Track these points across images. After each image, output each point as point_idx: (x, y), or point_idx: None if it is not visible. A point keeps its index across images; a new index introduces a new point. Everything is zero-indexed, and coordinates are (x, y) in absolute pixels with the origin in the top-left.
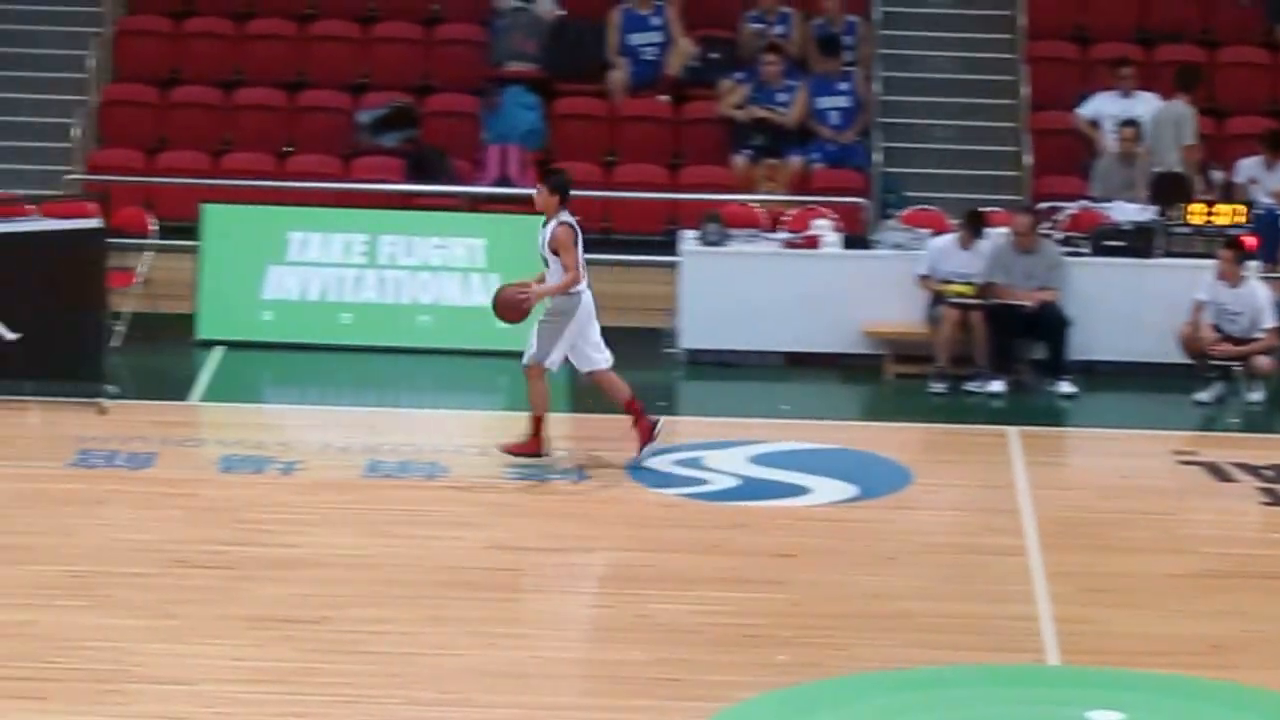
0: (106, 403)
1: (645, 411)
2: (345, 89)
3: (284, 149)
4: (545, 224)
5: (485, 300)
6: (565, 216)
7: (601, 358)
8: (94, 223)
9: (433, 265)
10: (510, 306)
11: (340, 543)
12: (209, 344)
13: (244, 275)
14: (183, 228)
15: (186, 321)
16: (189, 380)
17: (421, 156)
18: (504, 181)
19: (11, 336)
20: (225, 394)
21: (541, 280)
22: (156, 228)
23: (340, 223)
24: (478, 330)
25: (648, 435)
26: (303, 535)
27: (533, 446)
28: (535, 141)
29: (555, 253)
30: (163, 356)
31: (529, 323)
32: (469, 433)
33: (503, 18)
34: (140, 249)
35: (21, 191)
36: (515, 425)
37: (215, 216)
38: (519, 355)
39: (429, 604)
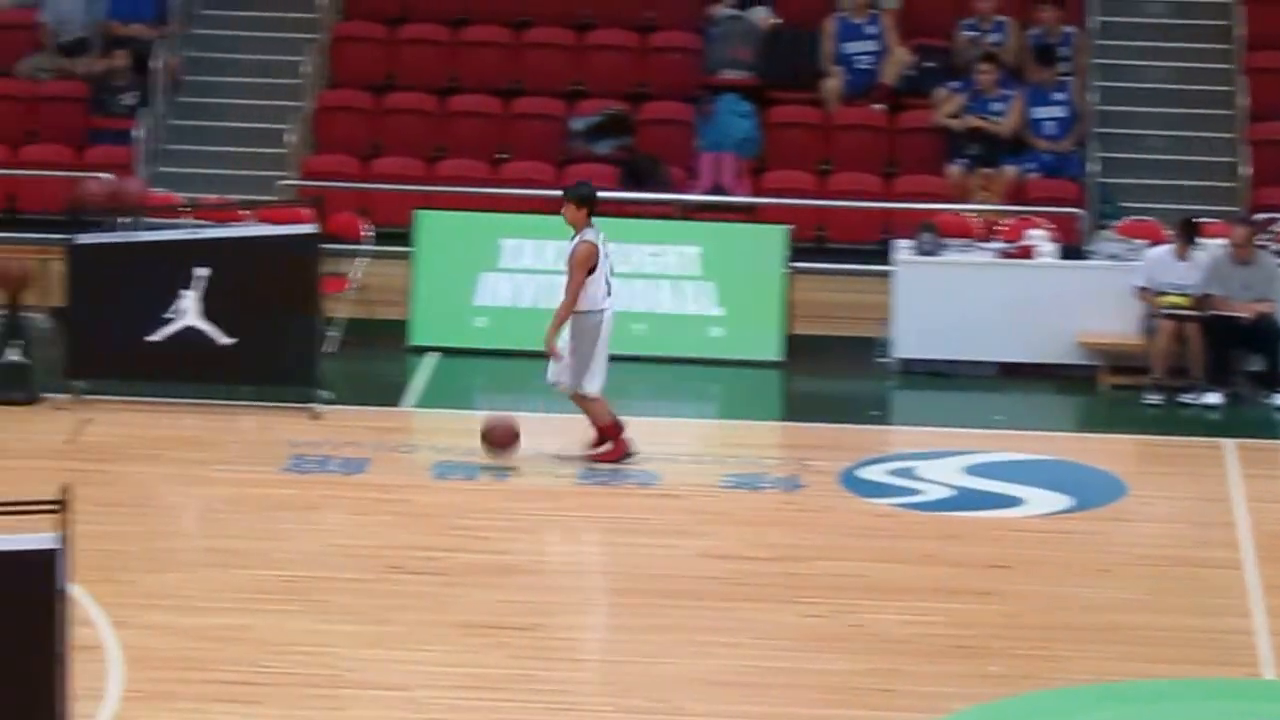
0: (320, 408)
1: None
2: (560, 96)
3: (498, 155)
4: (571, 238)
5: (699, 309)
6: (589, 234)
7: (576, 383)
8: (308, 228)
9: (646, 273)
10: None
11: (552, 550)
12: (422, 350)
13: (457, 281)
14: (396, 234)
15: (399, 327)
16: (402, 386)
17: (635, 164)
18: (718, 189)
19: (226, 341)
20: (438, 400)
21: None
22: (371, 233)
23: (553, 229)
24: (691, 338)
25: (618, 457)
26: (515, 542)
27: (619, 450)
28: (749, 149)
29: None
30: (376, 362)
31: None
32: (681, 441)
33: (718, 25)
34: (354, 255)
35: (237, 197)
36: (729, 434)
37: (429, 223)
38: (736, 364)
39: (641, 612)
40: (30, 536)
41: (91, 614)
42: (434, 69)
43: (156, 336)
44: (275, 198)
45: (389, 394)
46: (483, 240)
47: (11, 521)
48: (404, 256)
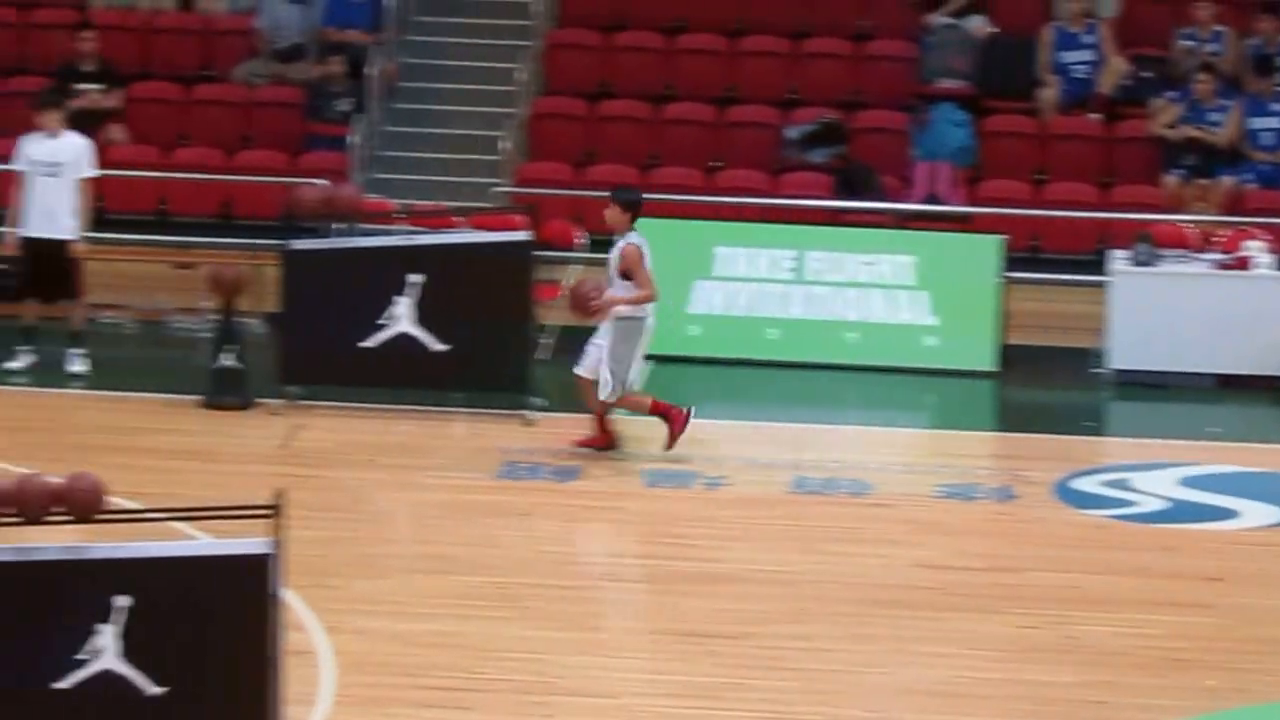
0: (533, 415)
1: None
2: (774, 104)
3: (712, 164)
4: (615, 243)
5: (912, 318)
6: (634, 236)
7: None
8: (522, 235)
9: (860, 282)
10: (579, 301)
11: (764, 558)
12: None
13: (670, 289)
14: (610, 241)
15: None
16: None
17: (850, 173)
18: (933, 199)
19: (440, 348)
20: None
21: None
22: (584, 240)
23: (767, 238)
24: (904, 347)
25: (603, 444)
26: (727, 550)
27: (677, 422)
28: (965, 159)
29: (625, 274)
30: None
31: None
32: (894, 450)
33: (933, 34)
34: (567, 262)
35: (451, 204)
36: (942, 443)
37: (643, 230)
38: (950, 374)
39: (853, 621)
40: (244, 541)
41: (304, 619)
42: (649, 76)
43: (369, 342)
44: (489, 204)
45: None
46: (696, 248)
47: (226, 526)
48: None
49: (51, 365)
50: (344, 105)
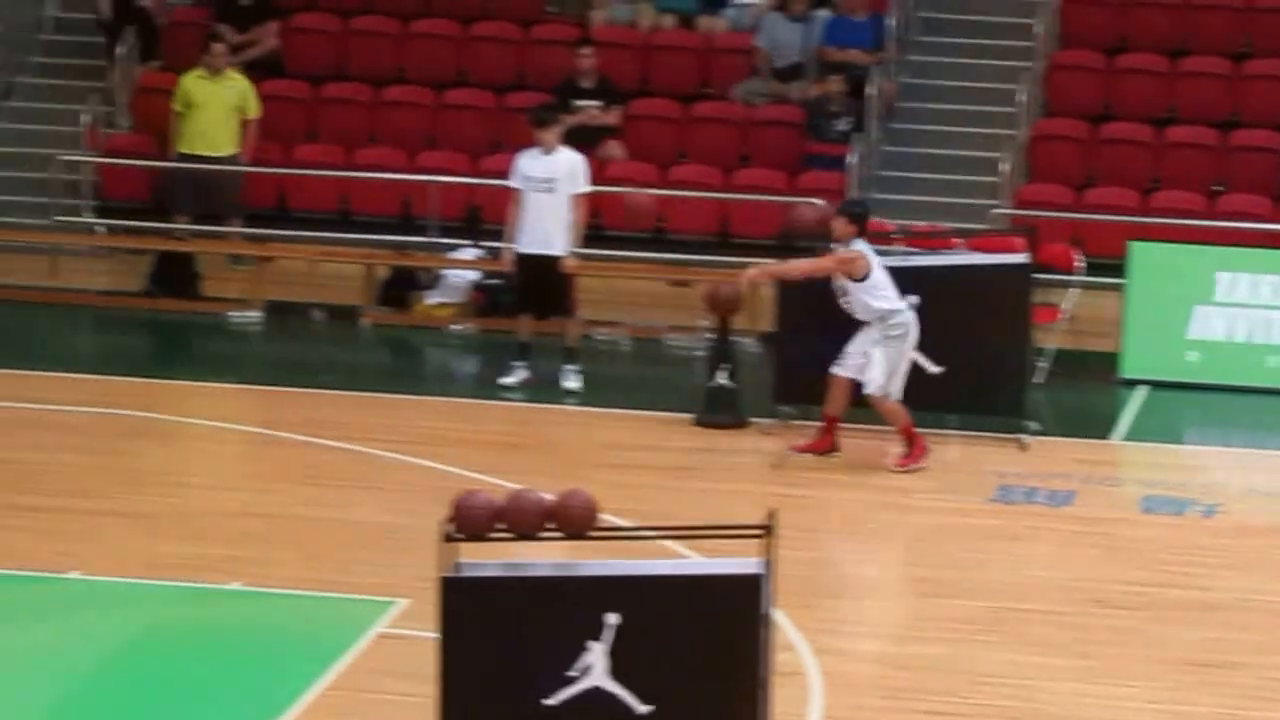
0: (1027, 439)
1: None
2: (1273, 128)
3: (1214, 187)
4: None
5: None
6: (858, 245)
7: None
8: (1020, 258)
9: None
10: (719, 300)
11: (1261, 587)
12: (1132, 383)
13: (1170, 315)
14: (1109, 265)
15: (1110, 359)
16: (1111, 419)
17: None
18: None
19: (935, 370)
20: (1147, 434)
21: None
22: (1083, 264)
23: (1271, 264)
24: None
25: (822, 448)
26: (1221, 579)
27: (915, 453)
28: None
29: (852, 276)
30: (1085, 394)
31: None
32: None
33: None
34: (1066, 285)
35: (950, 224)
36: None
37: (1143, 255)
38: None
39: None
40: (736, 560)
41: (792, 639)
42: (1152, 99)
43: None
44: (987, 226)
45: (1097, 426)
46: (1197, 273)
47: (717, 545)
48: (1116, 288)
49: (546, 381)
50: (843, 125)
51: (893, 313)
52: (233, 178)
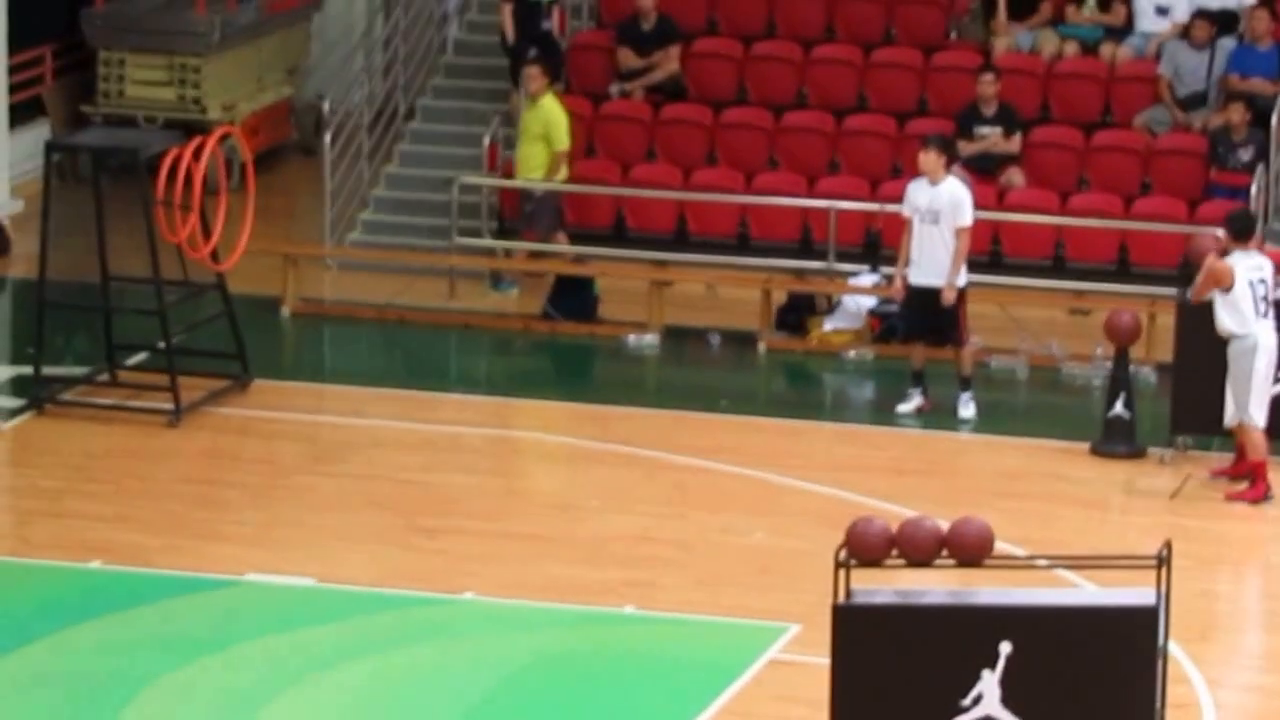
0: None
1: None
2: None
3: None
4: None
5: None
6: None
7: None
8: None
9: None
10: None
11: None
12: None
13: None
14: None
15: None
16: None
17: None
18: None
19: None
20: None
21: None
22: None
23: None
24: None
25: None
26: None
27: (1257, 489)
28: None
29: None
30: None
31: None
32: None
33: None
34: None
35: None
36: None
37: None
38: None
39: None
40: (1130, 591)
41: (1187, 672)
42: None
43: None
44: None
45: None
46: None
47: (1111, 575)
48: None
49: (941, 408)
50: (1246, 154)
51: (1239, 338)
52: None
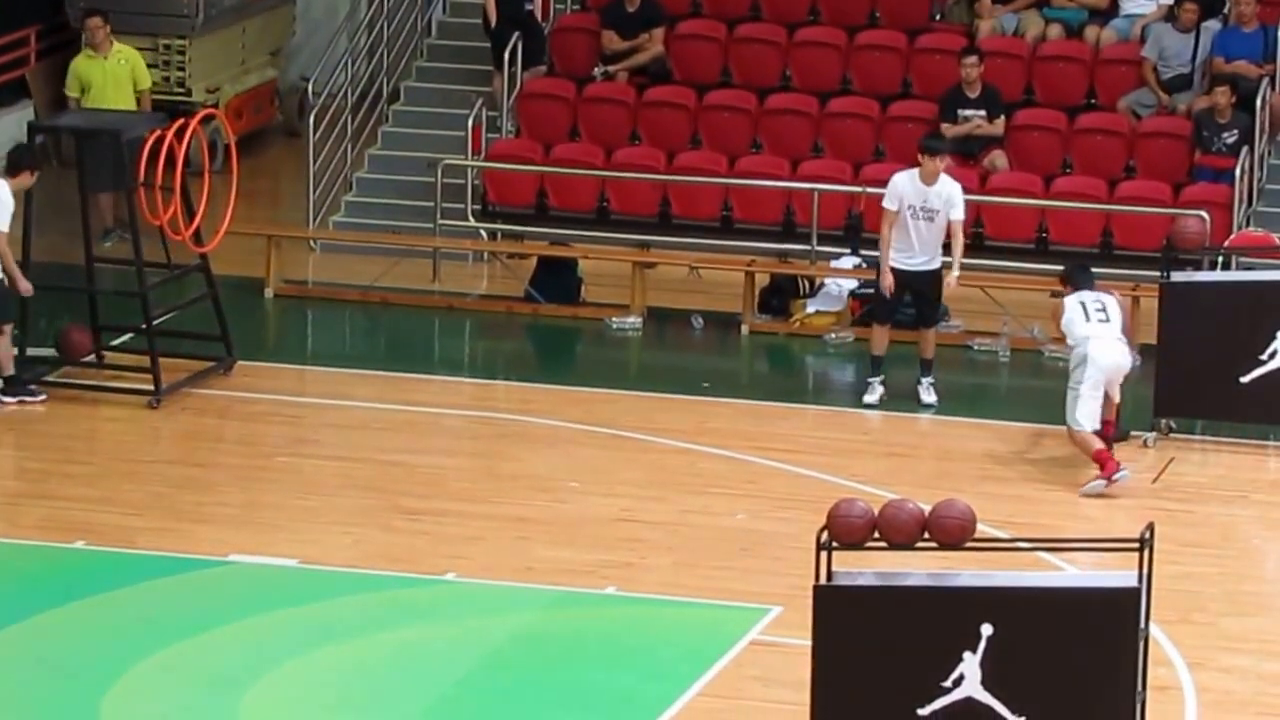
0: None
1: None
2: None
3: None
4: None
5: None
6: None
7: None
8: None
9: None
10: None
11: None
12: None
13: None
14: None
15: None
16: None
17: None
18: None
19: None
20: None
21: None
22: None
23: None
24: None
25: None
26: None
27: (1105, 469)
28: None
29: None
30: None
31: None
32: None
33: None
34: None
35: None
36: None
37: None
38: None
39: None
40: (1111, 574)
41: (1169, 654)
42: None
43: (1247, 377)
44: None
45: None
46: None
47: (1092, 558)
48: None
49: (903, 393)
50: (1230, 138)
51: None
52: None
